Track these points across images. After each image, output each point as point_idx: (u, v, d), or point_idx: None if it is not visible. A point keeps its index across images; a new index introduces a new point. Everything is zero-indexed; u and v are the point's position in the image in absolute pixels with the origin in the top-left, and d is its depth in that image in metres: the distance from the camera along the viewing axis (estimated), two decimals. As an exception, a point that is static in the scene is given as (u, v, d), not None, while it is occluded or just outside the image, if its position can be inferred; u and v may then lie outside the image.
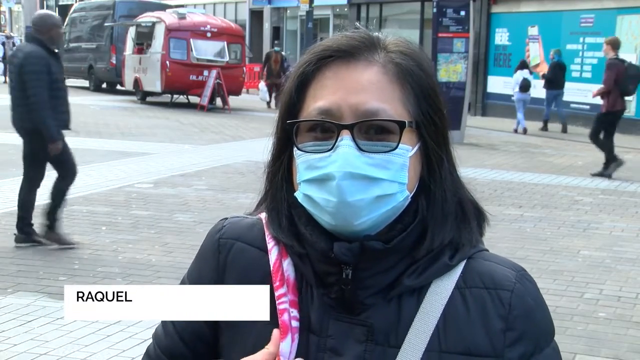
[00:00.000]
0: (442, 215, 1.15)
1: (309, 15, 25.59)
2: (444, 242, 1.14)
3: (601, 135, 12.09)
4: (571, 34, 19.69)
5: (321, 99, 1.12)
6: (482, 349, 1.12)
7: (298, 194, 1.14)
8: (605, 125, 11.87)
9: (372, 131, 1.10)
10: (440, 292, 1.14)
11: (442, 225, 1.15)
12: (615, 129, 11.88)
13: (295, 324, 1.15)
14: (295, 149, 1.13)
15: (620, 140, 16.64)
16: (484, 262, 1.18)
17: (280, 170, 1.19)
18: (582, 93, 19.34)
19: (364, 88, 1.11)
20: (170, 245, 7.20)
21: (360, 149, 1.09)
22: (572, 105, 19.64)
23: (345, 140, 1.09)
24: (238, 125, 17.52)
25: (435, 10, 15.89)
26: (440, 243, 1.14)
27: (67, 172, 7.17)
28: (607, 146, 11.94)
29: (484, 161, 12.88)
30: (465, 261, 1.16)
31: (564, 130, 17.98)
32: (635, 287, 6.39)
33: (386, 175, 1.10)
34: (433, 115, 1.15)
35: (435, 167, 1.15)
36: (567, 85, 19.66)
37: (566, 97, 19.71)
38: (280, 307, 1.15)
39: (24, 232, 7.10)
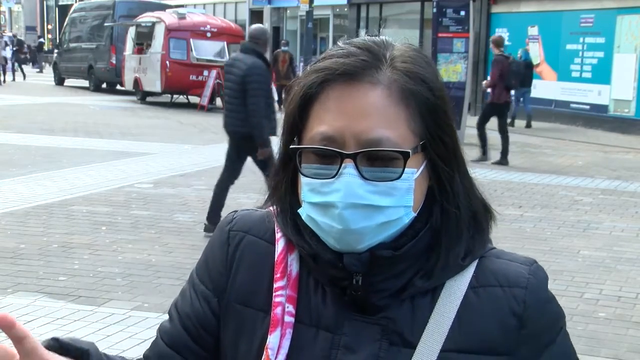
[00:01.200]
0: (456, 232, 1.15)
1: (309, 15, 25.59)
2: (459, 255, 1.14)
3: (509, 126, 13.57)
4: (571, 34, 19.69)
5: (324, 123, 1.10)
6: (497, 347, 1.13)
7: (302, 213, 1.14)
8: (490, 115, 13.11)
9: (376, 158, 1.09)
10: (454, 292, 1.14)
11: (456, 241, 1.15)
12: (506, 119, 13.27)
13: (289, 319, 1.15)
14: (299, 172, 1.13)
15: (620, 141, 16.68)
16: (496, 259, 1.18)
17: (284, 184, 1.19)
18: (582, 93, 19.35)
19: (367, 113, 1.09)
20: (170, 245, 7.20)
21: (363, 177, 1.08)
22: (572, 105, 19.65)
23: (349, 169, 1.08)
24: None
25: (435, 10, 15.88)
26: (455, 257, 1.14)
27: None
28: (495, 136, 13.35)
29: (484, 161, 12.89)
30: (477, 260, 1.17)
31: (528, 126, 18.83)
32: (635, 287, 6.39)
33: (390, 202, 1.09)
34: (441, 134, 1.14)
35: (446, 185, 1.14)
36: (568, 85, 19.70)
37: (566, 97, 19.73)
38: (275, 300, 1.16)
39: (213, 222, 7.46)
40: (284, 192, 1.19)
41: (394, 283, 1.13)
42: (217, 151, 13.38)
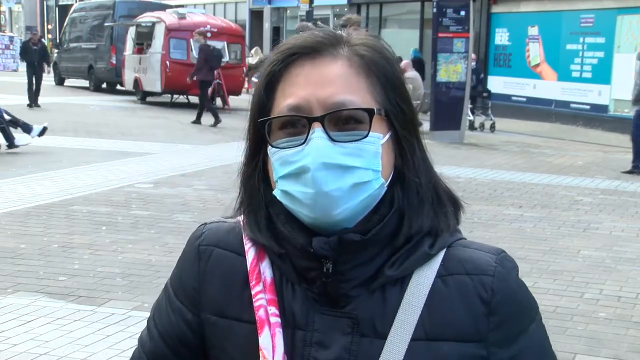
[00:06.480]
0: (418, 201, 1.17)
1: (309, 15, 25.56)
2: (422, 229, 1.16)
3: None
4: (571, 34, 19.68)
5: (290, 96, 1.14)
6: (467, 334, 1.14)
7: (276, 192, 1.16)
8: (203, 87, 18.29)
9: (343, 122, 1.12)
10: (423, 282, 1.15)
11: (418, 211, 1.16)
12: (206, 92, 18.33)
13: (274, 319, 1.16)
14: (269, 147, 1.15)
15: (620, 141, 16.65)
16: (464, 249, 1.20)
17: (256, 172, 1.20)
18: (582, 93, 19.35)
19: (331, 81, 1.13)
20: (170, 245, 7.19)
21: (332, 139, 1.11)
22: (572, 105, 19.65)
23: (317, 132, 1.11)
24: (238, 125, 17.46)
25: (435, 10, 15.88)
26: (418, 229, 1.16)
27: None
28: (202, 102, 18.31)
29: (484, 161, 12.87)
30: (445, 249, 1.18)
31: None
32: (635, 287, 6.39)
33: (360, 163, 1.11)
34: (401, 104, 1.17)
35: (408, 154, 1.17)
36: (568, 85, 19.70)
37: (566, 97, 19.73)
38: (256, 304, 1.17)
39: None
40: (257, 183, 1.20)
41: (363, 271, 1.15)
42: (217, 151, 13.40)
